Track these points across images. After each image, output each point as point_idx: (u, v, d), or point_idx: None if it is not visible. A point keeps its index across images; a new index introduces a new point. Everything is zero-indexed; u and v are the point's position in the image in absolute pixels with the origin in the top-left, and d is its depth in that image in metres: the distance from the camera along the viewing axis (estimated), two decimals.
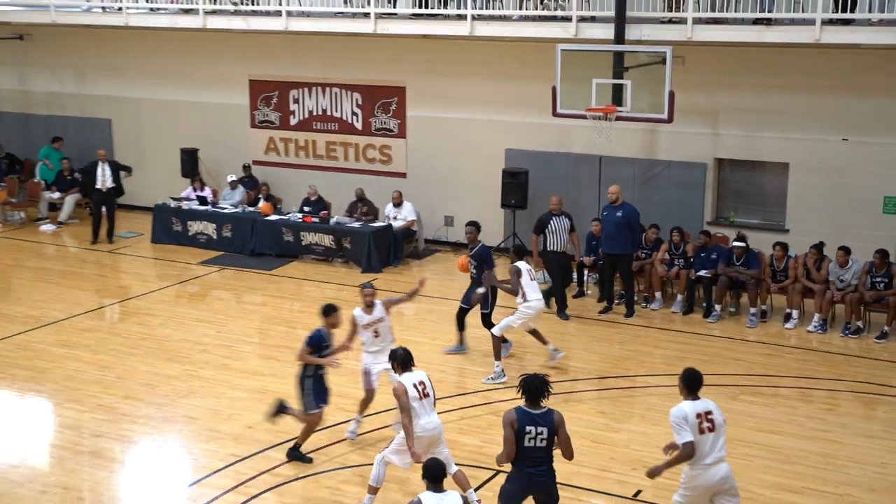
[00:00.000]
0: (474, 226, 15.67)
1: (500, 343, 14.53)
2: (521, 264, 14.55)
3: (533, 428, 8.97)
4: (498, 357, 14.43)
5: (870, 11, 16.57)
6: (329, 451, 12.48)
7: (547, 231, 17.61)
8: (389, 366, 11.31)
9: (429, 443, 10.42)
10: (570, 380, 14.85)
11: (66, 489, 11.64)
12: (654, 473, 9.40)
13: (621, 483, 11.37)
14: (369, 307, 12.48)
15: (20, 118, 26.63)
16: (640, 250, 18.10)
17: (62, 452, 12.67)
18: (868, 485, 11.43)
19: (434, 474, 8.05)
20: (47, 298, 18.73)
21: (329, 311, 11.82)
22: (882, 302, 16.39)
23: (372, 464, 10.69)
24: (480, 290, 15.13)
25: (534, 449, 9.03)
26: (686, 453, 9.00)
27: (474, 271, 15.31)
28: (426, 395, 10.42)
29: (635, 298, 17.91)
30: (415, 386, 10.36)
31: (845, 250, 16.61)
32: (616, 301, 17.86)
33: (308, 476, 12.01)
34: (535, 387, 9.11)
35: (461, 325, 15.66)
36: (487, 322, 15.29)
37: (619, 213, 17.33)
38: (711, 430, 9.11)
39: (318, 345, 11.64)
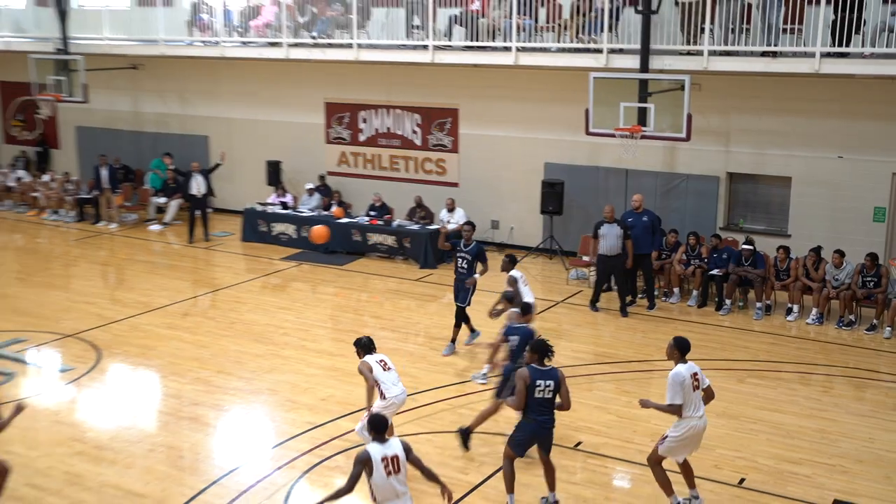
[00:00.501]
0: (471, 226, 15.76)
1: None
2: (515, 273, 14.23)
3: (542, 381, 9.74)
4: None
5: (863, 46, 16.41)
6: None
7: (599, 235, 17.21)
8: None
9: (397, 409, 11.15)
10: (597, 363, 14.97)
11: (169, 448, 11.91)
12: (646, 405, 10.18)
13: (642, 453, 11.03)
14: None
15: (133, 135, 26.95)
16: (661, 251, 18.13)
17: (166, 417, 12.96)
18: (857, 457, 11.61)
19: (378, 427, 8.33)
20: (154, 287, 19.11)
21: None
22: (871, 299, 16.45)
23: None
24: (477, 276, 15.12)
25: (542, 400, 9.80)
26: (673, 412, 9.77)
27: (465, 266, 15.13)
28: (389, 369, 10.91)
29: (655, 293, 17.89)
30: (378, 363, 10.84)
31: (840, 253, 16.75)
32: (639, 295, 17.93)
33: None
34: (543, 347, 9.92)
35: (464, 322, 15.43)
36: (462, 315, 15.28)
37: (644, 219, 17.48)
38: (698, 388, 9.78)
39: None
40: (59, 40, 24.76)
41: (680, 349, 9.89)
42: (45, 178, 26.99)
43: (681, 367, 9.80)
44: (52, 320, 17.07)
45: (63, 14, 24.55)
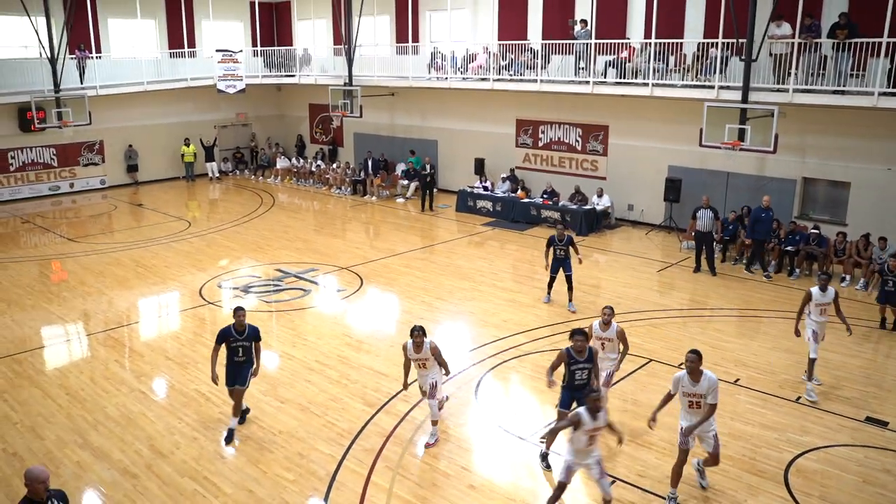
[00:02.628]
0: (563, 225, 14.61)
1: None
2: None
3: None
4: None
5: None
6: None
7: (696, 217, 17.05)
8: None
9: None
10: (708, 308, 14.79)
11: (391, 346, 12.28)
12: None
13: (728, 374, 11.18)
14: (606, 324, 9.64)
15: (389, 139, 27.47)
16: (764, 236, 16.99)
17: (402, 325, 13.31)
18: (886, 386, 11.10)
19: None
20: (397, 240, 19.62)
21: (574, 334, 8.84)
22: None
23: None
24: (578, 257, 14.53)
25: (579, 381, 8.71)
26: (667, 398, 8.17)
27: (563, 250, 14.25)
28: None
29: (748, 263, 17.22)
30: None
31: (884, 239, 16.08)
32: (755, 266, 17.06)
33: (541, 351, 12.35)
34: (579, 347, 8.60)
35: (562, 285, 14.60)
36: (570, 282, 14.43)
37: (770, 214, 16.84)
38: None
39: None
40: (346, 77, 25.79)
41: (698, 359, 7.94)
42: (334, 165, 28.28)
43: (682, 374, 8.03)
44: (334, 258, 17.99)
45: (350, 60, 25.57)
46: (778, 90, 17.08)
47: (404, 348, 9.31)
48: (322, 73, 28.25)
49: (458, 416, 10.23)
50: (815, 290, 10.96)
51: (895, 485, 8.69)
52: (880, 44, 15.36)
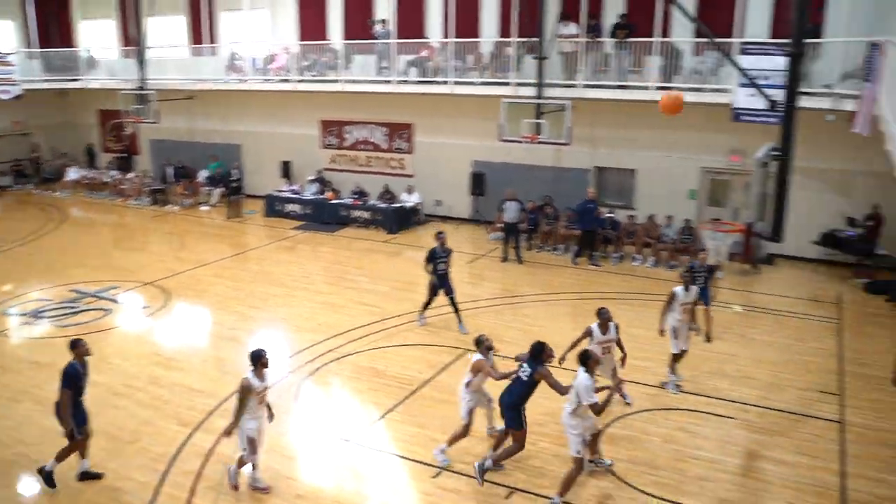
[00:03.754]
0: (443, 233, 13.36)
1: None
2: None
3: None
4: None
5: (685, 83, 16.71)
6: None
7: (503, 209, 17.69)
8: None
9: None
10: (518, 295, 15.29)
11: (216, 358, 12.03)
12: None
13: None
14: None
15: (189, 144, 26.28)
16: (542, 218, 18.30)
17: (214, 338, 13.13)
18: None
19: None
20: (204, 250, 18.90)
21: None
22: (685, 249, 16.95)
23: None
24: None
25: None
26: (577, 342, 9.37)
27: (445, 263, 13.00)
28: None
29: (548, 249, 18.28)
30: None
31: (669, 217, 17.43)
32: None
33: (360, 352, 12.32)
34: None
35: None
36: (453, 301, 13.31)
37: (592, 205, 17.35)
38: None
39: None
40: (138, 80, 24.35)
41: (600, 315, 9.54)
42: (130, 175, 26.63)
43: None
44: (137, 273, 16.97)
45: (142, 62, 24.13)
46: (568, 86, 18.03)
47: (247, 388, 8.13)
48: (111, 76, 26.38)
49: (280, 424, 9.95)
50: (678, 289, 10.79)
51: (689, 440, 9.59)
52: (655, 43, 16.69)
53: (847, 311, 14.48)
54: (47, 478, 8.52)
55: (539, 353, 8.28)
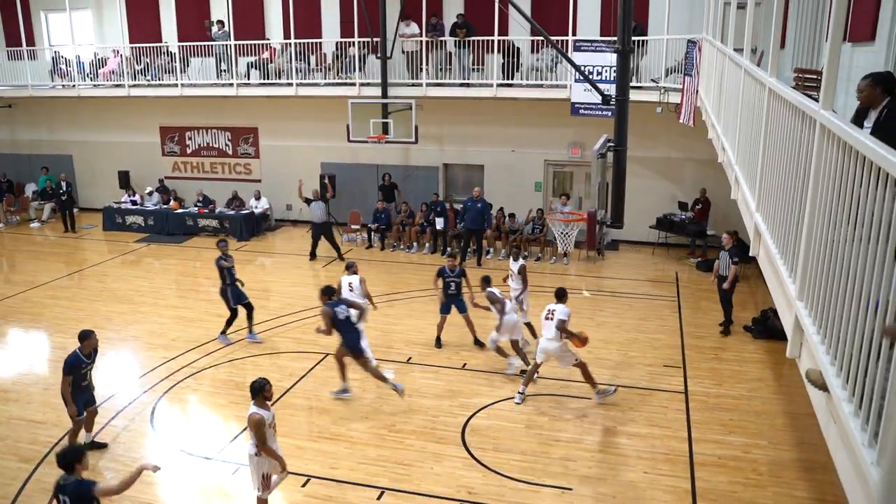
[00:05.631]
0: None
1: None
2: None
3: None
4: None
5: (525, 79, 17.47)
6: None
7: (310, 208, 17.70)
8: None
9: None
10: (374, 295, 15.64)
11: (46, 389, 11.12)
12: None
13: (401, 355, 11.93)
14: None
15: (13, 157, 24.39)
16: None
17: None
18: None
19: None
20: (38, 269, 17.83)
21: None
22: (536, 240, 17.73)
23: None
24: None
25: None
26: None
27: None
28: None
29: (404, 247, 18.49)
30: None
31: (513, 215, 18.00)
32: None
33: (216, 365, 12.02)
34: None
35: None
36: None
37: (479, 205, 17.09)
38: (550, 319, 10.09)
39: None
40: None
41: (558, 296, 10.36)
42: None
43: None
44: None
45: None
46: (413, 85, 18.30)
47: None
48: None
49: (136, 449, 9.47)
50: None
51: (550, 423, 9.97)
52: (494, 42, 17.19)
53: (684, 290, 15.55)
54: (92, 446, 9.24)
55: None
